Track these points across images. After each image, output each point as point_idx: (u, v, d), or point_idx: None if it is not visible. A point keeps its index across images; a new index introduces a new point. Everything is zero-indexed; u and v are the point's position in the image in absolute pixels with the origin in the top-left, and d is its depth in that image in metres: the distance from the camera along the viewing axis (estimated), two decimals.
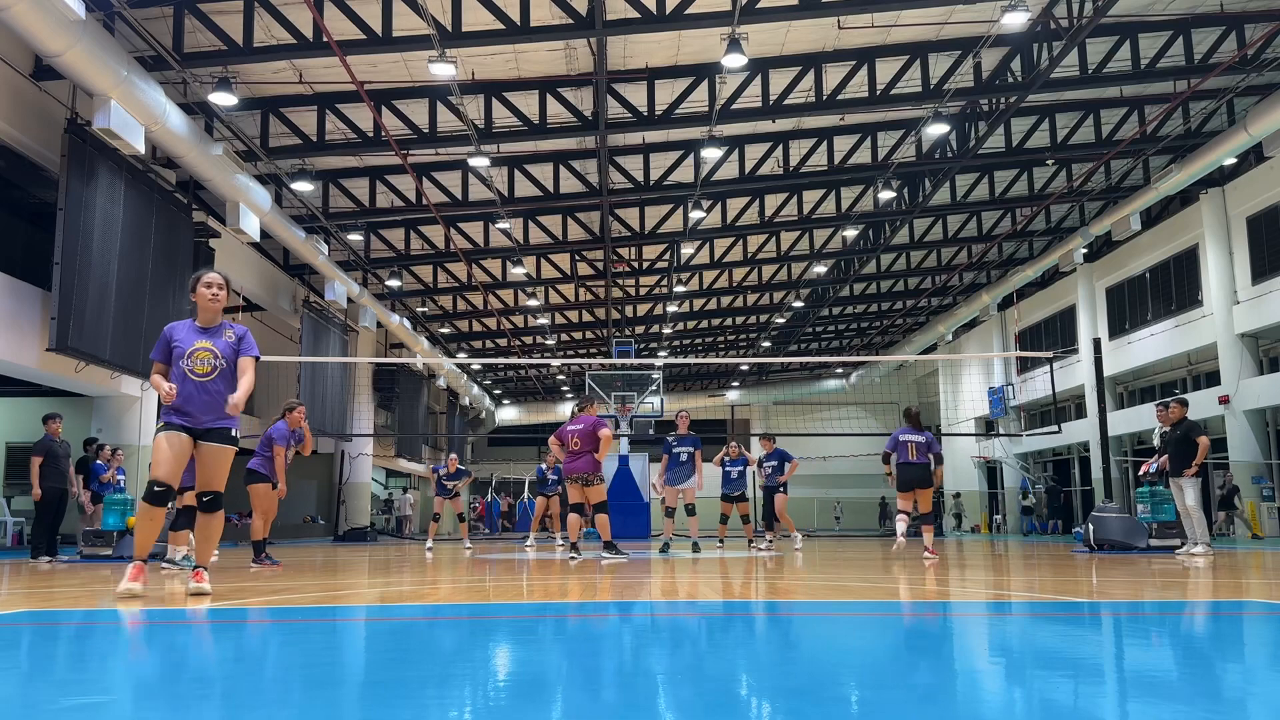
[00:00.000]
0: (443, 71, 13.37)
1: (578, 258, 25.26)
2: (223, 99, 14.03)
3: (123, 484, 13.95)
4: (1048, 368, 16.05)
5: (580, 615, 4.63)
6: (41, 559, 10.92)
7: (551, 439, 10.38)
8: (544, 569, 8.62)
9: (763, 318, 33.40)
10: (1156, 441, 11.89)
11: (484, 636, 3.85)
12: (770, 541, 13.84)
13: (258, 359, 5.77)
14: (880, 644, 3.60)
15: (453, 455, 15.19)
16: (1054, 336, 29.44)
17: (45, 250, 13.58)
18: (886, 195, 20.48)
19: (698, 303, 31.25)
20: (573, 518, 10.23)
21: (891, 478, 10.56)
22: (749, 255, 25.66)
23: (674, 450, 12.37)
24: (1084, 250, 23.85)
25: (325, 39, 13.00)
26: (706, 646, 3.40)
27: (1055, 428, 16.32)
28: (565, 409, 43.21)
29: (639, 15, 13.46)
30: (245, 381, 5.60)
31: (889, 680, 2.61)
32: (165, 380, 5.55)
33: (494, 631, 4.02)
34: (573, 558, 9.64)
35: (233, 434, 5.63)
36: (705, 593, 5.94)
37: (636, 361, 24.01)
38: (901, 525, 10.71)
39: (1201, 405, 21.15)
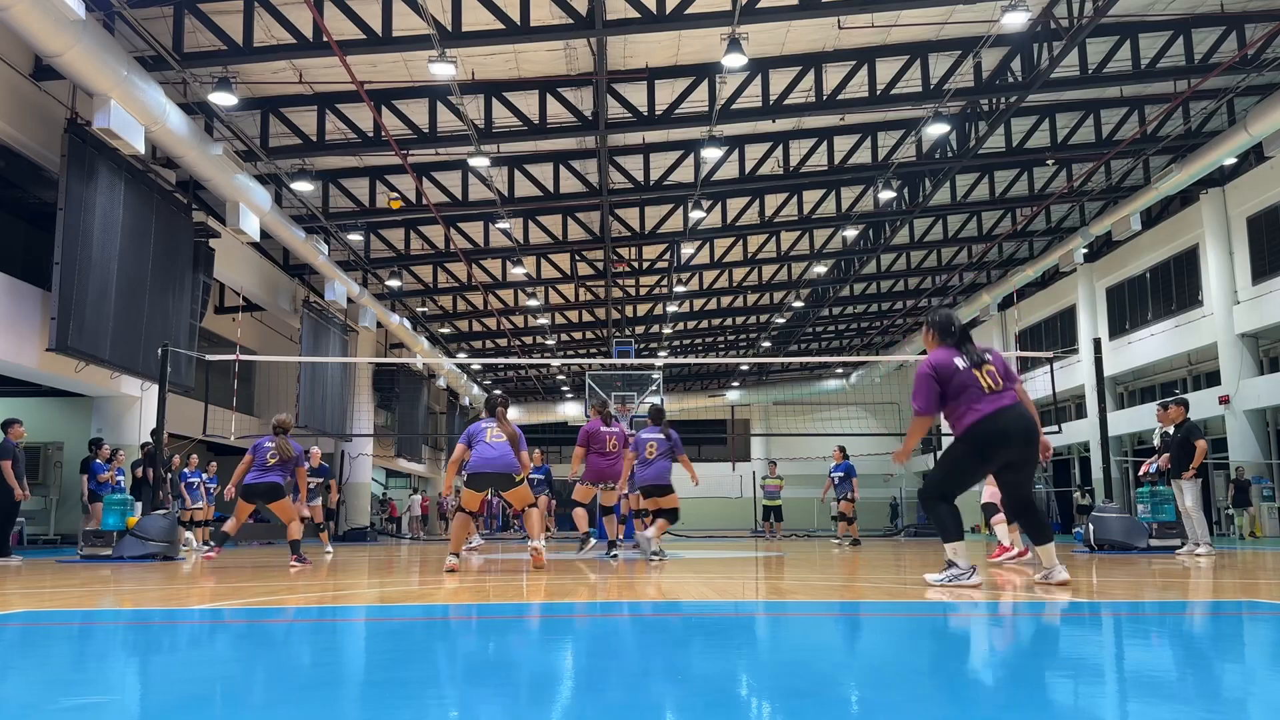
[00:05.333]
0: (443, 71, 13.37)
1: (578, 258, 25.27)
2: (223, 99, 14.03)
3: (121, 484, 13.92)
4: (1048, 368, 16.03)
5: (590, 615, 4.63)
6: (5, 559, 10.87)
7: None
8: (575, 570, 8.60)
9: (763, 318, 33.40)
10: (1156, 441, 11.89)
11: (487, 637, 3.85)
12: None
13: None
14: (878, 644, 3.60)
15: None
16: (1054, 336, 29.45)
17: (45, 250, 13.59)
18: (886, 195, 20.49)
19: (698, 303, 31.25)
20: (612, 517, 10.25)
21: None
22: (749, 255, 25.66)
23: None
24: (1084, 250, 23.86)
25: (325, 39, 13.00)
26: (709, 645, 3.40)
27: (1055, 428, 16.28)
28: (566, 409, 43.16)
29: (639, 15, 13.46)
30: None
31: (885, 680, 2.61)
32: None
33: (506, 631, 4.02)
34: (615, 556, 9.67)
35: None
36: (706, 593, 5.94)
37: (636, 361, 23.98)
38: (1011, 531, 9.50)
39: (1201, 405, 21.15)
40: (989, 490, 8.90)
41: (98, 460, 13.89)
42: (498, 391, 8.21)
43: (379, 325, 25.40)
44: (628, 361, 22.59)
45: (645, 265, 25.98)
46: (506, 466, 7.95)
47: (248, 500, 9.83)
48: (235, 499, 10.02)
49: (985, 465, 5.68)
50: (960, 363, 5.57)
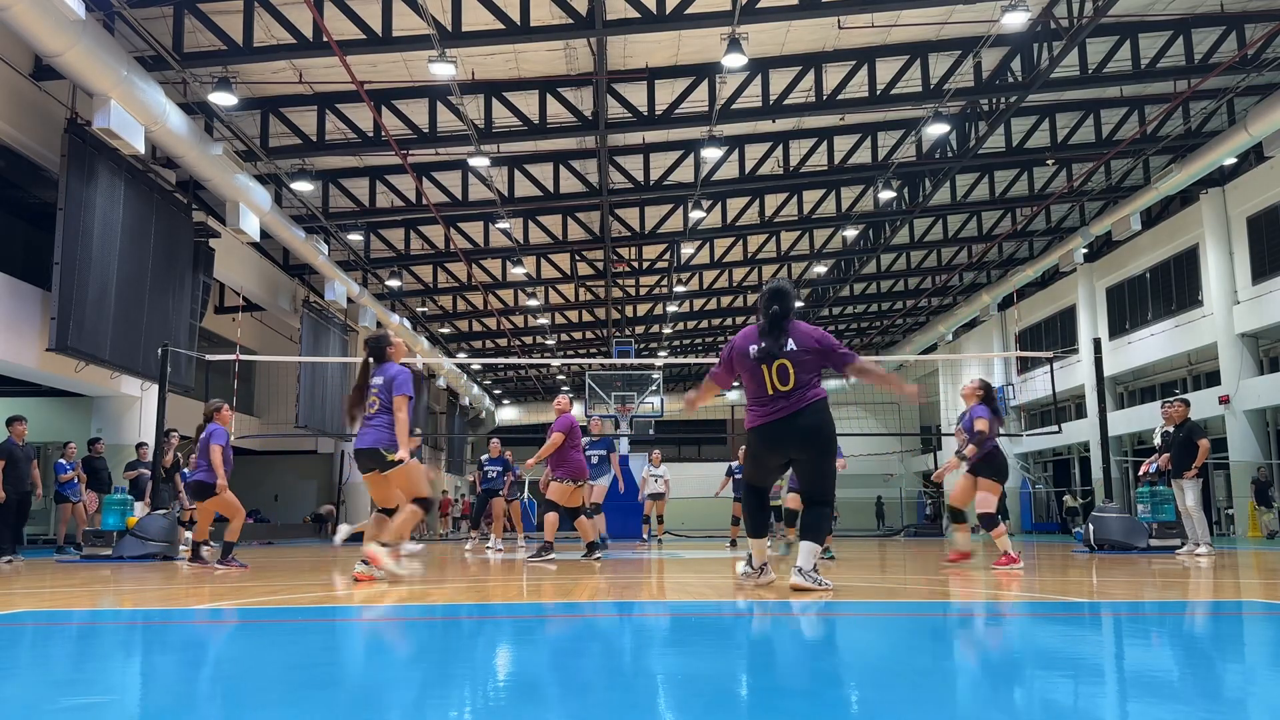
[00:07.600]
0: (443, 71, 13.38)
1: (578, 258, 25.27)
2: (223, 99, 14.03)
3: (77, 483, 13.71)
4: (1048, 368, 16.04)
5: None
6: (1, 559, 10.85)
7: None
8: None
9: None
10: (1157, 440, 11.88)
11: (483, 636, 3.85)
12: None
13: None
14: (880, 644, 3.60)
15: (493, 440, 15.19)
16: (1054, 336, 29.45)
17: (45, 250, 13.59)
18: (886, 195, 20.49)
19: (698, 303, 31.26)
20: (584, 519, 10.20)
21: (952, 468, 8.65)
22: (749, 255, 25.67)
23: (586, 453, 12.57)
24: (1084, 250, 23.86)
25: (325, 39, 13.01)
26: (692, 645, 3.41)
27: (1055, 428, 16.30)
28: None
29: (639, 15, 13.47)
30: None
31: (887, 680, 2.61)
32: None
33: (496, 631, 4.02)
34: (597, 558, 9.69)
35: None
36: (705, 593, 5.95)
37: (636, 361, 24.02)
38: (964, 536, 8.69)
39: (1201, 405, 21.16)
40: (981, 496, 7.99)
41: (61, 460, 13.75)
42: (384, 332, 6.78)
43: (379, 325, 25.39)
44: (628, 361, 22.62)
45: (645, 265, 25.98)
46: (372, 442, 6.47)
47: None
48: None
49: (768, 460, 5.47)
50: (754, 350, 5.30)
